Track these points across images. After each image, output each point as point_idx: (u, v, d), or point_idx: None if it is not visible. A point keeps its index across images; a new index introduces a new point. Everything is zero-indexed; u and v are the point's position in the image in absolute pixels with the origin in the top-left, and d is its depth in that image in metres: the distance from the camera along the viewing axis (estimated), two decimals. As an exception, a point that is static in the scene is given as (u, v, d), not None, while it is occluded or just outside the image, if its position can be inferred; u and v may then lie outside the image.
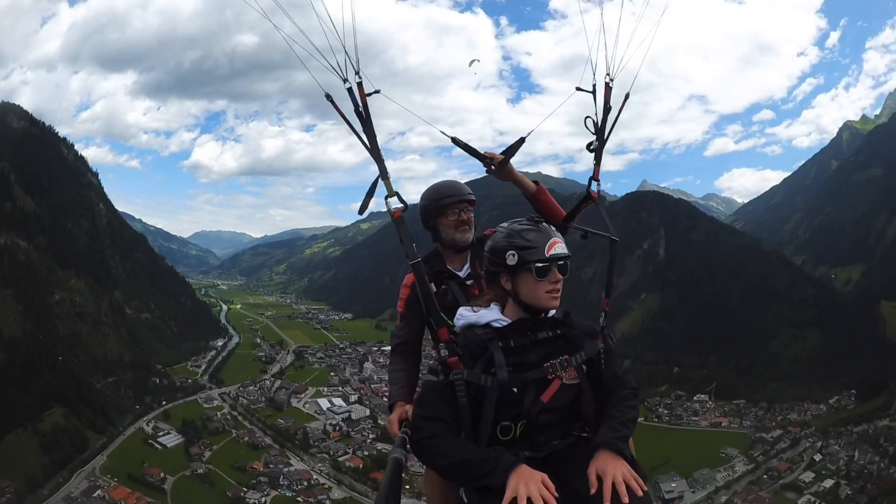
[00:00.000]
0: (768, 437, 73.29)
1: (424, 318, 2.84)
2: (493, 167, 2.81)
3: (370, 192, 2.53)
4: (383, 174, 2.46)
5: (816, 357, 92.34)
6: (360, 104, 2.41)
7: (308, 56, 2.33)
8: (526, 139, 2.80)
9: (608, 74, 2.83)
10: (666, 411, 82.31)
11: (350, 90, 2.41)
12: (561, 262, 2.13)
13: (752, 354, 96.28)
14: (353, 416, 76.07)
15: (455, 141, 2.69)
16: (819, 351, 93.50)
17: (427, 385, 2.20)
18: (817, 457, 68.04)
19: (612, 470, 1.85)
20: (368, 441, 69.36)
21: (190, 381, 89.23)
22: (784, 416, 79.77)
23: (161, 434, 68.28)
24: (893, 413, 75.05)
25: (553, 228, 2.21)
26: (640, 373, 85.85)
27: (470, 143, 2.74)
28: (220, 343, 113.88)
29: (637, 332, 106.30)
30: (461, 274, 3.05)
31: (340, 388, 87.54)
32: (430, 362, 2.33)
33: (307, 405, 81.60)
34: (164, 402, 78.46)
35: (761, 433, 74.44)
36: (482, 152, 2.80)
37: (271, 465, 62.05)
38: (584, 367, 2.17)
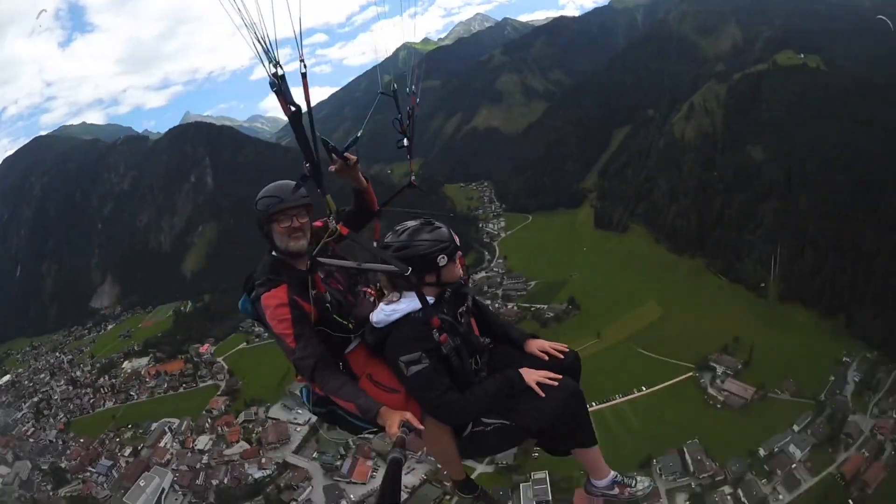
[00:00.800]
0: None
1: (316, 330, 2.85)
2: (346, 166, 3.02)
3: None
4: (323, 189, 2.53)
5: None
6: (305, 96, 2.19)
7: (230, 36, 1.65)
8: (359, 136, 3.14)
9: (413, 86, 3.34)
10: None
11: (283, 77, 2.15)
12: None
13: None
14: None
15: (325, 143, 2.73)
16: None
17: (422, 372, 2.68)
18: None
19: (545, 345, 3.09)
20: None
21: None
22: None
23: None
24: (486, 265, 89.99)
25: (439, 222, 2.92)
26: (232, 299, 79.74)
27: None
28: None
29: (208, 266, 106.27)
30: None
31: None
32: (410, 355, 2.72)
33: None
34: None
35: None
36: (344, 154, 2.99)
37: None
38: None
